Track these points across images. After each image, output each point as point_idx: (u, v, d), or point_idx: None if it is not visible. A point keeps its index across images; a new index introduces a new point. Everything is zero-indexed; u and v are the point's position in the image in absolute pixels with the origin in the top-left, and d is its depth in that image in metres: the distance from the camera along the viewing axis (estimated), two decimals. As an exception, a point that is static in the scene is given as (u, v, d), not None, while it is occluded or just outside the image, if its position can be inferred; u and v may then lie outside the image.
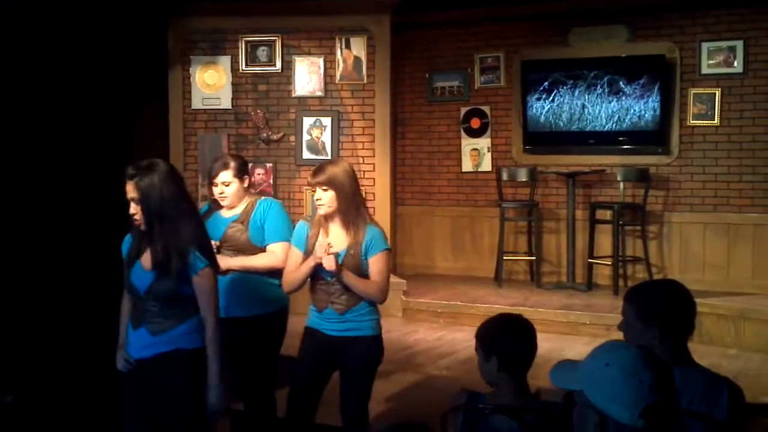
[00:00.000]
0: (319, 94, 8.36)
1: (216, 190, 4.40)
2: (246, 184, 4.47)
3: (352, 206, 3.99)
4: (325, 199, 3.96)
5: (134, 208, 3.47)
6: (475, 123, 8.76)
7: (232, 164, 4.41)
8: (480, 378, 3.14)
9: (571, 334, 6.78)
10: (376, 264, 3.95)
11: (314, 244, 3.99)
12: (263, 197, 4.55)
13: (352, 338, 4.00)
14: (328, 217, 4.02)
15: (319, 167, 4.04)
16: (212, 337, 3.46)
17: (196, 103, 8.53)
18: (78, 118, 9.23)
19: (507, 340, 3.03)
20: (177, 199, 3.47)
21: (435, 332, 7.05)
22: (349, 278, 3.92)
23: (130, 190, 3.46)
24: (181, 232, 3.44)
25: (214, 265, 3.55)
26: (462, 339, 6.68)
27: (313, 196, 4.05)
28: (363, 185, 8.26)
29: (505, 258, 8.25)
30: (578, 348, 6.17)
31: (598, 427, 2.33)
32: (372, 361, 4.08)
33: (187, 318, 3.49)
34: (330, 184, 3.95)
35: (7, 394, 4.94)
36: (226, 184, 4.38)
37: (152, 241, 3.46)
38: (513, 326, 3.09)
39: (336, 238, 3.98)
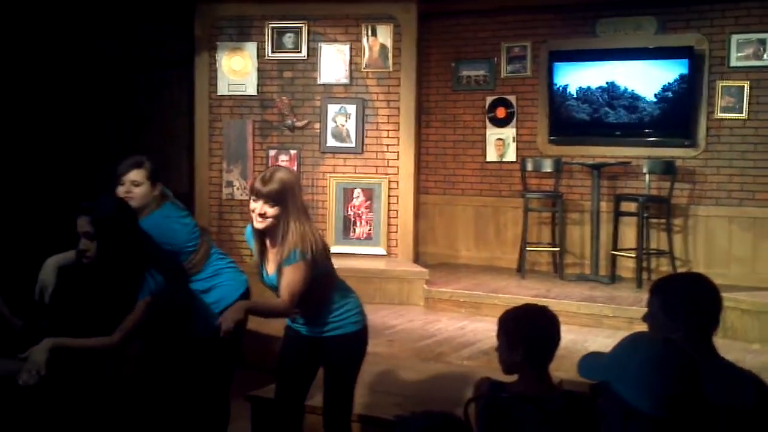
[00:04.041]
0: (344, 81, 8.36)
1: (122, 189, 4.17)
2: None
3: (293, 222, 3.69)
4: (269, 213, 3.66)
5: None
6: (501, 113, 8.72)
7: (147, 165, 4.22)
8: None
9: (594, 326, 6.75)
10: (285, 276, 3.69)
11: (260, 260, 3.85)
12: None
13: (329, 337, 3.87)
14: (264, 231, 3.75)
15: (268, 176, 3.70)
16: None
17: (222, 89, 8.56)
18: (105, 105, 9.29)
19: (533, 330, 3.02)
20: None
21: (457, 322, 7.04)
22: (256, 314, 3.71)
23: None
24: None
25: None
26: (484, 329, 6.66)
27: (251, 204, 3.72)
28: (387, 174, 8.32)
29: (528, 249, 8.22)
30: (600, 340, 6.14)
31: (624, 418, 2.32)
32: (353, 357, 3.96)
33: None
34: (279, 198, 3.66)
35: (42, 320, 4.99)
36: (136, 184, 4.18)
37: None
38: (539, 317, 3.08)
39: (272, 256, 3.77)
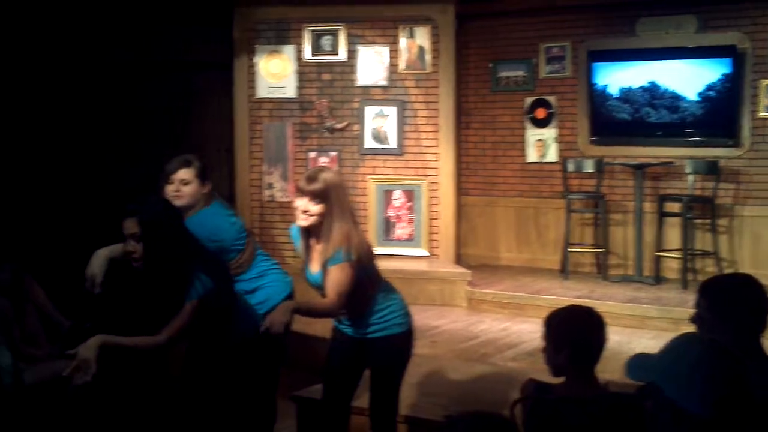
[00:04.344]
0: (382, 83, 8.37)
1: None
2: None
3: (338, 222, 3.73)
4: (313, 210, 3.72)
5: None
6: (540, 113, 8.67)
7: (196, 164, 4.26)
8: (546, 369, 3.12)
9: (638, 327, 6.68)
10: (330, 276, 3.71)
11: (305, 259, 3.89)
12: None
13: (375, 339, 3.87)
14: (309, 229, 3.81)
15: (313, 174, 3.77)
16: None
17: (262, 92, 8.61)
18: (146, 107, 9.39)
19: (578, 332, 3.00)
20: None
21: (500, 323, 7.01)
22: (302, 314, 3.72)
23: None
24: None
25: None
26: (528, 330, 6.63)
27: (296, 202, 3.77)
28: (427, 175, 8.31)
29: (570, 250, 8.16)
30: (645, 342, 6.08)
31: (673, 420, 2.31)
32: (397, 362, 3.96)
33: None
34: (322, 196, 3.72)
35: (88, 320, 5.08)
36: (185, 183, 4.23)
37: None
38: (585, 318, 3.06)
39: (317, 255, 3.81)
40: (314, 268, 3.80)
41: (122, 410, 5.13)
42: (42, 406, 5.11)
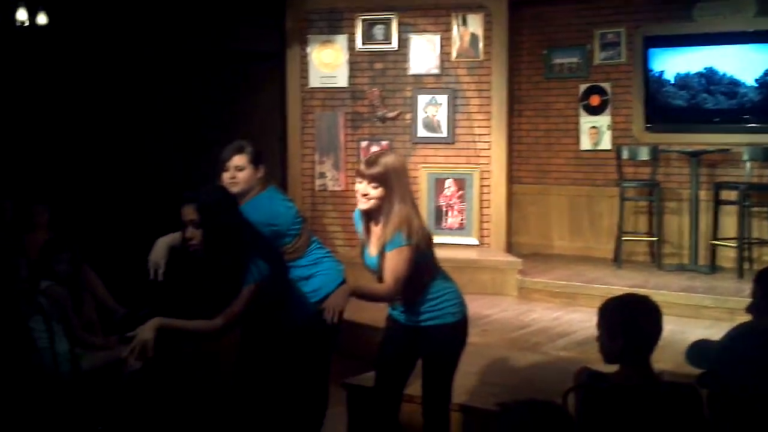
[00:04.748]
0: (435, 71, 8.34)
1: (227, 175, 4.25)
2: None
3: (397, 206, 3.72)
4: (373, 194, 3.73)
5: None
6: (595, 100, 8.57)
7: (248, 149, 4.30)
8: (598, 358, 3.09)
9: (693, 317, 6.58)
10: (388, 261, 3.71)
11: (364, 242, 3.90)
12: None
13: (428, 327, 3.85)
14: (370, 213, 3.81)
15: (373, 158, 3.78)
16: None
17: (314, 82, 8.64)
18: (199, 98, 9.48)
19: (635, 321, 2.97)
20: None
21: (552, 312, 6.96)
22: (359, 297, 3.70)
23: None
24: None
25: None
26: (580, 320, 6.58)
27: (356, 185, 3.79)
28: (479, 164, 8.27)
29: (624, 238, 8.06)
30: (700, 332, 5.97)
31: (733, 406, 2.27)
32: (450, 350, 3.93)
33: None
34: (382, 180, 3.72)
35: (144, 308, 5.15)
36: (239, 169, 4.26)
37: None
38: (640, 306, 3.02)
39: (375, 239, 3.81)
40: (372, 251, 3.81)
41: (176, 396, 5.21)
42: (99, 392, 5.20)
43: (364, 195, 3.73)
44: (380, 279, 3.80)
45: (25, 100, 9.04)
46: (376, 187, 3.70)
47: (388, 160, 3.76)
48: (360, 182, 3.75)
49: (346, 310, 3.57)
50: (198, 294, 3.68)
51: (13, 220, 6.92)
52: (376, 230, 3.79)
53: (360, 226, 3.92)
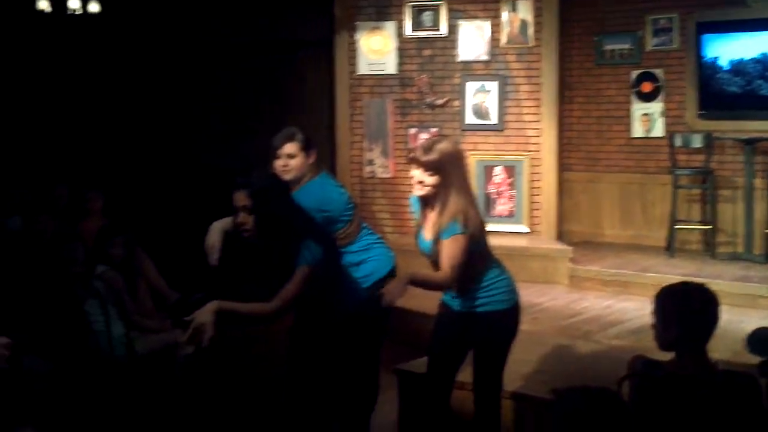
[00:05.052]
0: (484, 58, 8.29)
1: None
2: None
3: (453, 194, 3.70)
4: (428, 181, 3.71)
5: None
6: (647, 87, 8.45)
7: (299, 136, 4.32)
8: (651, 347, 3.06)
9: (748, 306, 6.48)
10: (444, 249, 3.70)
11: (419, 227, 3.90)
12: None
13: (480, 314, 3.85)
14: (426, 198, 3.80)
15: (429, 145, 3.74)
16: None
17: (362, 69, 8.63)
18: (248, 86, 9.54)
19: (690, 308, 2.94)
20: None
21: (603, 301, 6.91)
22: (417, 285, 3.67)
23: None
24: None
25: None
26: (632, 308, 6.52)
27: (411, 171, 3.77)
28: (529, 151, 8.21)
29: (677, 227, 7.96)
30: (756, 321, 5.88)
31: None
32: (502, 337, 3.92)
33: None
34: (437, 168, 3.70)
35: (197, 293, 5.22)
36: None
37: None
38: (698, 295, 2.99)
39: (430, 224, 3.80)
40: (427, 235, 3.82)
41: (228, 381, 5.26)
42: (153, 376, 5.28)
43: (420, 182, 3.72)
44: (434, 263, 3.80)
45: (79, 88, 9.18)
46: (431, 175, 3.69)
47: (445, 146, 3.74)
48: (416, 169, 3.73)
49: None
50: (251, 278, 3.72)
51: (68, 206, 7.04)
52: (432, 216, 3.78)
53: (416, 209, 3.91)
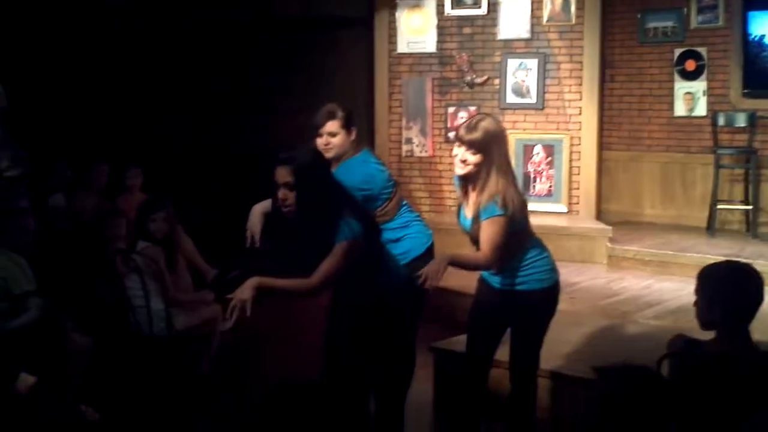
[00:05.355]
0: (525, 36, 8.22)
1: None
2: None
3: (495, 173, 3.66)
4: (470, 160, 3.66)
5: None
6: (690, 65, 8.31)
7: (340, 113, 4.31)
8: (689, 328, 3.03)
9: (791, 287, 6.38)
10: (484, 230, 3.67)
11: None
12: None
13: (519, 292, 3.82)
14: (467, 177, 3.75)
15: (473, 124, 3.70)
16: None
17: (402, 47, 8.61)
18: (287, 64, 9.54)
19: (735, 288, 2.90)
20: None
21: (642, 281, 6.84)
22: (457, 266, 3.65)
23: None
24: None
25: None
26: (671, 288, 6.45)
27: (454, 150, 3.74)
28: (569, 130, 8.14)
29: (718, 207, 7.85)
30: (799, 303, 5.81)
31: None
32: (540, 316, 3.90)
33: None
34: (480, 147, 3.65)
35: (234, 270, 5.27)
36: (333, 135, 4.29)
37: None
38: (742, 274, 2.95)
39: (471, 203, 3.77)
40: (468, 214, 3.80)
41: (263, 358, 5.30)
42: (192, 351, 5.34)
43: (462, 161, 3.69)
44: (473, 242, 3.79)
45: (119, 67, 9.25)
46: (474, 153, 3.65)
47: (489, 125, 3.70)
48: (458, 147, 3.70)
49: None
50: (292, 255, 3.72)
51: (109, 183, 7.12)
52: (473, 195, 3.76)
53: (459, 187, 3.90)
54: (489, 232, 3.63)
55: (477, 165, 3.67)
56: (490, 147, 3.66)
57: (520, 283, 3.82)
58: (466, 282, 4.10)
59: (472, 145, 3.65)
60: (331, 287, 3.78)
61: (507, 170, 3.72)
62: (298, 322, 5.92)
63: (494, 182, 3.65)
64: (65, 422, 2.45)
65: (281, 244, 3.84)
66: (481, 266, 3.78)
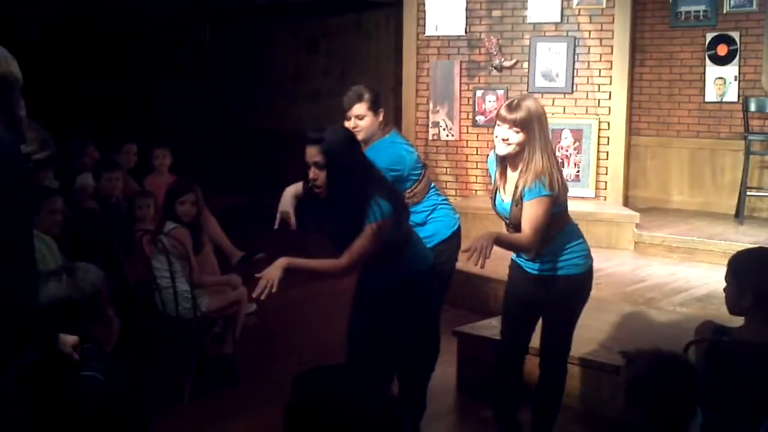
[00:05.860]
0: (554, 19, 8.13)
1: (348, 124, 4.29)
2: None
3: (539, 153, 3.62)
4: (513, 139, 3.63)
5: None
6: (722, 50, 8.21)
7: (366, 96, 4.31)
8: (716, 315, 3.00)
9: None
10: (527, 210, 3.63)
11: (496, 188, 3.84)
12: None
13: (552, 277, 3.78)
14: (506, 158, 3.72)
15: (515, 103, 3.66)
16: None
17: (430, 30, 8.54)
18: (313, 46, 9.54)
19: (765, 275, 2.86)
20: None
21: (669, 267, 6.78)
22: (501, 245, 3.59)
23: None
24: None
25: None
26: (698, 276, 6.40)
27: (496, 129, 3.69)
28: (597, 114, 8.07)
29: (748, 194, 7.76)
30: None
31: None
32: (575, 301, 3.88)
33: None
34: (523, 125, 3.61)
35: (260, 252, 5.30)
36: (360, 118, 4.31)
37: None
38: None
39: (510, 185, 3.73)
40: (505, 197, 3.76)
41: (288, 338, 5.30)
42: (216, 332, 5.36)
43: (504, 140, 3.64)
44: (511, 226, 3.75)
45: (146, 51, 9.29)
46: (517, 132, 3.61)
47: (532, 104, 3.66)
48: (500, 125, 3.66)
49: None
50: (321, 233, 3.73)
51: (137, 163, 7.15)
52: (513, 176, 3.71)
53: (494, 170, 3.86)
54: (533, 212, 3.59)
55: (520, 144, 3.62)
56: (533, 126, 3.61)
57: (557, 269, 3.78)
58: (491, 268, 4.07)
59: (515, 124, 3.60)
60: (359, 268, 3.78)
61: (550, 150, 3.68)
62: (322, 305, 5.94)
63: (539, 162, 3.60)
64: (108, 382, 2.47)
65: (312, 225, 3.84)
66: (524, 247, 3.71)
